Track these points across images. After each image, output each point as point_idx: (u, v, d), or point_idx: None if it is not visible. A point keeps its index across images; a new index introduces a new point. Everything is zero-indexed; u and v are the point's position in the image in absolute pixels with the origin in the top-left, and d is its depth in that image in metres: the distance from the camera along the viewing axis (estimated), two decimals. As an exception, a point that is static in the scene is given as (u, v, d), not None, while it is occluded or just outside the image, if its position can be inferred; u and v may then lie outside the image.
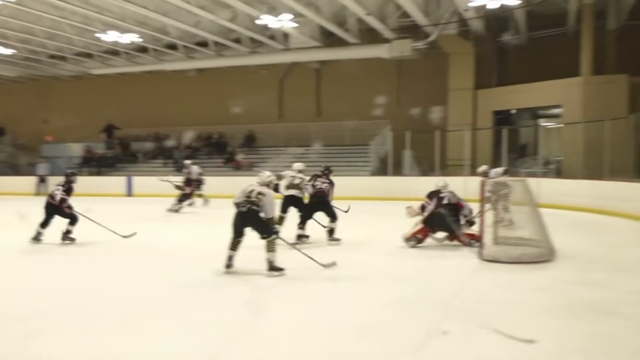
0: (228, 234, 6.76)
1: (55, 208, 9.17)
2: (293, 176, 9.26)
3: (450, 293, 5.87)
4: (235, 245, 6.79)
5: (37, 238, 9.12)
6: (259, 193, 6.64)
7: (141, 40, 20.82)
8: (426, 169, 19.10)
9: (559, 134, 17.84)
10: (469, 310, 5.18)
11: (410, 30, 19.55)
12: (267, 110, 24.06)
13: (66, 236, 9.18)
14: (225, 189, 18.80)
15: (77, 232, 9.21)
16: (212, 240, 9.65)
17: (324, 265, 6.90)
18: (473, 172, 17.96)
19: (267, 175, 6.96)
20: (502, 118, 20.59)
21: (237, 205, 6.67)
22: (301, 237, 8.82)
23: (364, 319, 4.95)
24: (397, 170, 19.26)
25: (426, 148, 18.61)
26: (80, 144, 25.21)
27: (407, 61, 20.86)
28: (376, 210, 10.60)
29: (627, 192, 12.66)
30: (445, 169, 19.00)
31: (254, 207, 6.58)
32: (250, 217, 6.58)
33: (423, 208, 8.70)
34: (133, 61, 24.08)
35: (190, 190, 15.01)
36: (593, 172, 14.75)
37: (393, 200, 17.08)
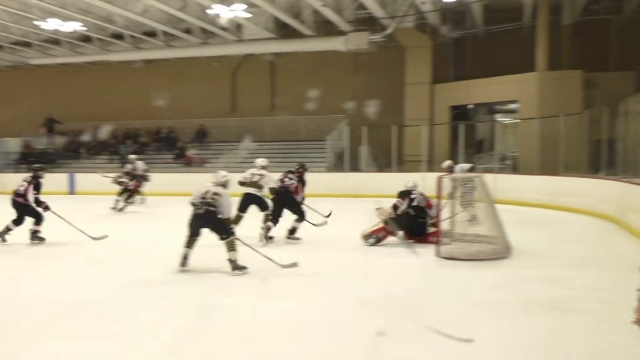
0: (177, 231, 6.70)
1: (20, 205, 8.90)
2: (253, 173, 9.16)
3: (406, 292, 5.95)
4: (190, 243, 6.85)
5: (3, 235, 8.93)
6: (215, 193, 6.75)
7: (85, 29, 20.24)
8: (383, 165, 19.29)
9: (515, 129, 18.31)
10: (424, 309, 5.25)
11: (367, 22, 19.67)
12: (219, 104, 23.81)
13: (35, 236, 8.99)
14: (174, 186, 18.70)
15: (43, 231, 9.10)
16: (162, 239, 9.49)
17: (282, 266, 6.91)
18: (430, 168, 18.32)
19: (222, 175, 7.03)
20: (459, 113, 20.97)
21: (194, 205, 6.77)
22: (266, 238, 8.69)
23: (321, 319, 4.97)
24: (354, 166, 19.38)
25: (383, 143, 18.79)
26: (18, 138, 24.34)
27: (364, 54, 20.98)
28: (333, 208, 10.63)
29: (581, 187, 13.11)
30: (403, 165, 19.25)
31: (211, 208, 6.68)
32: (207, 218, 6.69)
33: (395, 208, 8.74)
34: (76, 51, 23.39)
35: (134, 186, 14.71)
36: (548, 167, 15.20)
37: (350, 197, 17.19)
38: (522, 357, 4.10)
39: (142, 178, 15.26)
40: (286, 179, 9.15)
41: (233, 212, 7.41)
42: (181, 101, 23.15)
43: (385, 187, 16.70)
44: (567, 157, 14.88)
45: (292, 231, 8.97)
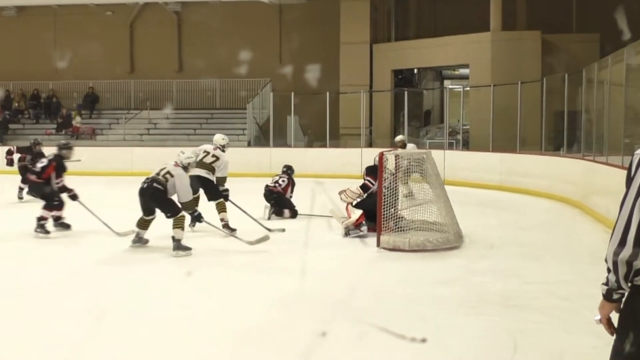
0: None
1: (34, 184, 8.89)
2: (207, 152, 8.93)
3: (343, 288, 6.03)
4: (143, 224, 7.56)
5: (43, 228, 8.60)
6: (168, 172, 7.37)
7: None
8: (314, 139, 19.36)
9: (466, 98, 18.79)
10: (364, 308, 5.34)
11: (295, -32, 19.59)
12: (113, 63, 23.10)
13: (58, 223, 8.87)
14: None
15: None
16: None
17: (251, 242, 7.52)
18: (371, 143, 18.54)
19: (186, 156, 7.64)
20: (403, 78, 21.28)
21: (143, 183, 7.42)
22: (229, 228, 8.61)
23: (245, 320, 4.99)
24: (280, 141, 19.34)
25: (315, 114, 18.83)
26: None
27: (291, 7, 20.90)
28: (257, 190, 10.56)
29: (539, 166, 13.61)
30: (338, 139, 19.38)
31: (157, 186, 7.30)
32: (150, 195, 7.35)
33: (365, 188, 8.60)
34: None
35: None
36: (503, 143, 15.68)
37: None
38: (473, 361, 4.24)
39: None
40: (280, 180, 10.30)
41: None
42: (65, 59, 22.25)
43: (319, 165, 16.89)
44: (524, 131, 15.37)
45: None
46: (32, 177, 8.88)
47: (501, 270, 6.79)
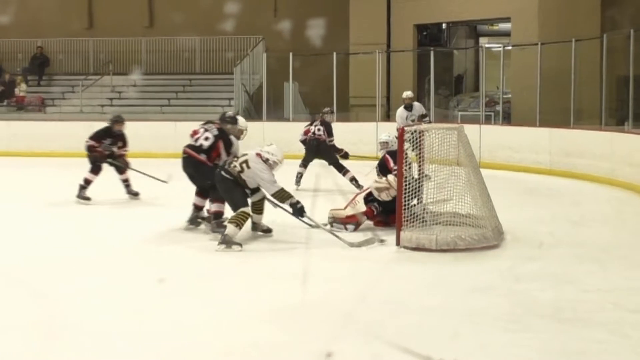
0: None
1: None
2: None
3: (354, 298, 5.97)
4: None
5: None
6: (245, 162, 7.99)
7: None
8: (319, 111, 19.26)
9: (507, 60, 18.64)
10: (379, 322, 5.30)
11: None
12: (67, 17, 23.07)
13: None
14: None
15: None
16: None
17: (353, 245, 7.79)
18: (388, 116, 18.43)
19: (272, 152, 8.10)
20: (429, 35, 21.15)
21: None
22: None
23: (236, 338, 5.00)
24: (276, 113, 19.28)
25: (319, 79, 18.75)
26: None
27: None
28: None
29: (597, 145, 13.50)
30: (348, 111, 19.29)
31: (226, 176, 7.98)
32: (218, 182, 8.11)
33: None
34: None
35: None
36: (553, 116, 15.59)
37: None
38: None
39: None
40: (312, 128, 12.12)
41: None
42: (8, 12, 22.19)
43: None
44: (580, 101, 15.29)
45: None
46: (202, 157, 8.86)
47: (552, 275, 6.72)
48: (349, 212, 8.80)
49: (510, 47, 18.90)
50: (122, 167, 10.93)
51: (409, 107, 13.41)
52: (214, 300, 6.03)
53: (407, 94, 13.86)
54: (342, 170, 12.01)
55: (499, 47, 18.97)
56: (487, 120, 17.35)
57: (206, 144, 8.75)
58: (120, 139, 10.98)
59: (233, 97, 20.44)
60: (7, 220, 9.57)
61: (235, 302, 5.95)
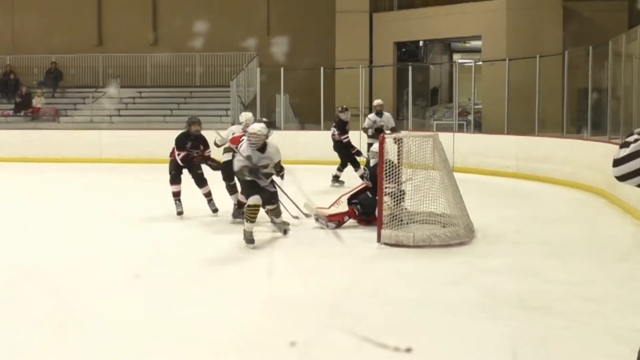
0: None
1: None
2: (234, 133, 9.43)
3: (337, 291, 5.97)
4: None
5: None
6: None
7: None
8: (307, 121, 19.26)
9: (478, 74, 18.67)
10: (361, 314, 5.29)
11: None
12: (79, 35, 22.90)
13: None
14: (16, 148, 17.96)
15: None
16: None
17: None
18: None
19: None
20: (407, 52, 21.15)
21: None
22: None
23: (224, 329, 4.95)
24: (269, 122, 19.18)
25: (308, 92, 18.71)
26: None
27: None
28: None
29: (559, 151, 13.53)
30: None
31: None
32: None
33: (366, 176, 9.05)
34: None
35: None
36: (519, 125, 15.59)
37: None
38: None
39: None
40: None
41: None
42: (25, 30, 22.08)
43: (312, 150, 16.78)
44: (544, 111, 15.31)
45: None
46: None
47: (518, 268, 6.76)
48: (332, 211, 8.81)
49: (480, 63, 18.99)
50: (218, 167, 9.70)
51: (379, 114, 13.41)
52: (204, 293, 5.96)
53: (378, 101, 13.94)
54: (357, 167, 12.17)
55: (471, 62, 19.01)
56: (460, 128, 17.34)
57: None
58: (200, 141, 9.63)
59: (230, 107, 20.37)
60: (22, 221, 9.49)
61: (225, 295, 5.90)
